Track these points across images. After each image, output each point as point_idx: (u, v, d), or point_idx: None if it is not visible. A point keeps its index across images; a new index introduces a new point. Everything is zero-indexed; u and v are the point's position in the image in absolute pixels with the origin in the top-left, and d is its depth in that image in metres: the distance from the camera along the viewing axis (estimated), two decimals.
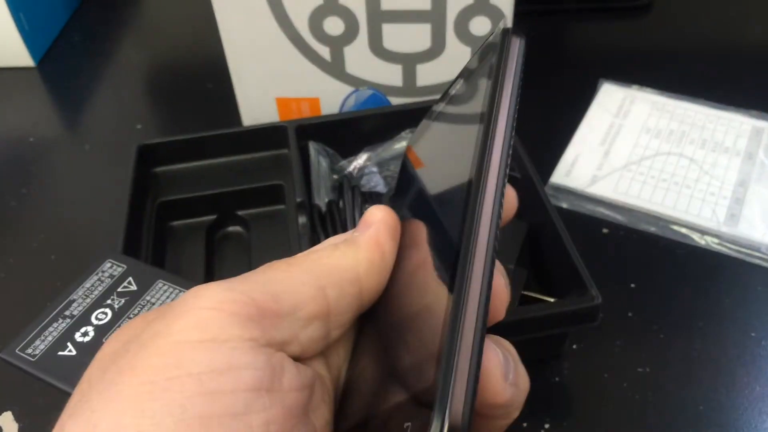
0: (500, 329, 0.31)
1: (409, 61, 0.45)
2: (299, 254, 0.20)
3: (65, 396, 0.33)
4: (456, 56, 0.45)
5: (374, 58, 0.45)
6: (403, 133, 0.43)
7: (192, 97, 0.55)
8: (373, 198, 0.40)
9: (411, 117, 0.43)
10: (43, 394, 0.34)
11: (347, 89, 0.47)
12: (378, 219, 0.21)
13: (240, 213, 0.42)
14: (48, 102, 0.56)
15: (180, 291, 0.32)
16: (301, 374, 0.18)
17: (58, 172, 0.49)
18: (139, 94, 0.57)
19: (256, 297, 0.18)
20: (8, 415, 0.34)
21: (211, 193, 0.41)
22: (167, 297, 0.32)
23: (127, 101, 0.56)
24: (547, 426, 0.32)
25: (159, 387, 0.16)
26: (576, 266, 0.32)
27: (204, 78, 0.56)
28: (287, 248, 0.39)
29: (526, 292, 0.35)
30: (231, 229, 0.42)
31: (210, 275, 0.39)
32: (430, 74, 0.46)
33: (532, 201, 0.37)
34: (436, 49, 0.45)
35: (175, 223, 0.41)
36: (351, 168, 0.42)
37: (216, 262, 0.40)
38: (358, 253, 0.20)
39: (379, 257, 0.20)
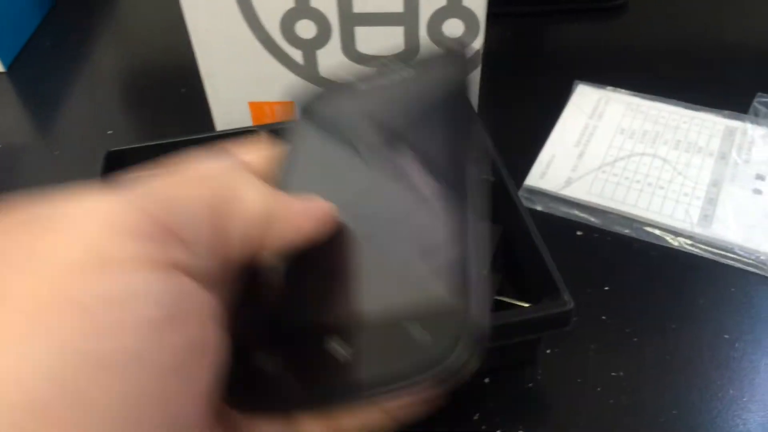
0: None
1: (378, 64, 0.45)
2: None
3: None
4: None
5: (347, 61, 0.45)
6: None
7: (166, 102, 0.54)
8: None
9: None
10: None
11: None
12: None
13: None
14: (18, 108, 0.55)
15: None
16: (207, 303, 0.16)
17: (25, 179, 0.48)
18: (111, 99, 0.56)
19: (152, 209, 0.15)
20: None
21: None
22: None
23: (99, 106, 0.55)
24: None
25: (36, 320, 0.13)
26: (549, 270, 0.32)
27: (178, 83, 0.56)
28: None
29: (500, 297, 0.34)
30: None
31: None
32: None
33: (505, 204, 0.37)
34: (410, 53, 0.44)
35: None
36: None
37: None
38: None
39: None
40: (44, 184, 0.47)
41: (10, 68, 0.58)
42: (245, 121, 0.48)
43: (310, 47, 0.44)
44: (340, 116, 0.24)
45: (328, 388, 0.17)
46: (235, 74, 0.45)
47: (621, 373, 0.34)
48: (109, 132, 0.51)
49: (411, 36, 0.43)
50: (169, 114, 0.53)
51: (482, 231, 0.19)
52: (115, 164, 0.41)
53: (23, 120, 0.54)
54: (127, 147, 0.41)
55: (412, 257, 0.19)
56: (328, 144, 0.24)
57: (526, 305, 0.34)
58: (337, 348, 0.17)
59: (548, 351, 0.35)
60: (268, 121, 0.47)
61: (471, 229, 0.19)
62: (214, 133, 0.43)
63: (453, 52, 0.22)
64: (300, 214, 0.19)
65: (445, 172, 0.21)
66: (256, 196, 0.19)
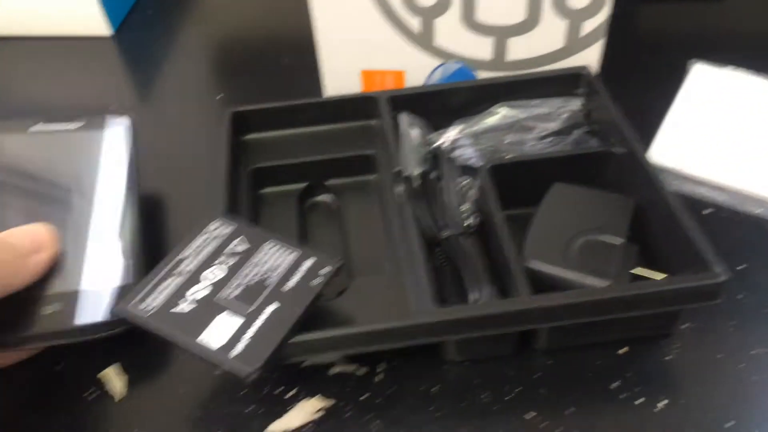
0: (617, 305, 0.30)
1: (500, 34, 0.44)
2: None
3: (173, 349, 0.33)
4: (550, 30, 0.44)
5: (465, 30, 0.44)
6: (494, 107, 0.42)
7: (269, 71, 0.55)
8: (468, 171, 0.40)
9: (502, 91, 0.42)
10: (150, 348, 0.34)
11: (434, 62, 0.46)
12: None
13: (329, 182, 0.41)
14: (125, 71, 0.56)
15: (291, 252, 0.32)
16: None
17: (140, 140, 0.49)
18: (214, 66, 0.56)
19: None
20: (117, 366, 0.34)
21: (301, 162, 0.41)
22: (278, 257, 0.31)
23: (203, 73, 0.56)
24: (665, 402, 0.31)
25: None
26: (694, 242, 0.31)
27: (280, 51, 0.56)
28: (380, 217, 0.39)
29: (636, 271, 0.34)
30: (320, 198, 0.42)
31: (303, 242, 0.38)
32: (521, 48, 0.45)
33: (635, 177, 0.36)
34: (529, 22, 0.44)
35: (267, 190, 0.41)
36: (442, 140, 0.42)
37: (308, 229, 0.40)
38: None
39: None
40: (160, 146, 0.48)
41: (117, 32, 0.59)
42: (354, 89, 0.48)
43: (429, 15, 0.44)
44: None
45: None
46: (351, 42, 0.45)
47: (762, 351, 0.33)
48: (218, 97, 0.52)
49: (534, 6, 0.43)
50: (273, 82, 0.53)
51: None
52: (239, 125, 0.41)
53: (131, 83, 0.55)
54: (251, 108, 0.42)
55: None
56: None
57: (661, 277, 0.33)
58: None
59: (684, 326, 0.34)
60: (376, 89, 0.47)
61: None
62: (333, 98, 0.43)
63: None
64: None
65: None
66: None
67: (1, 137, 0.37)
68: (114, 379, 0.33)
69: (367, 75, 0.47)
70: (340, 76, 0.47)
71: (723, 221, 0.39)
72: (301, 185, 0.41)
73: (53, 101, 0.53)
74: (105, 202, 0.36)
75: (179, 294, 0.30)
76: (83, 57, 0.57)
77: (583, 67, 0.42)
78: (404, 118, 0.42)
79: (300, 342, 0.29)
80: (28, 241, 0.31)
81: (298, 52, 0.56)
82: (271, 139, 0.42)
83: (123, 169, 0.37)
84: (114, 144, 0.38)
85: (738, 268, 0.36)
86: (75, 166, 0.37)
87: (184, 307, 0.29)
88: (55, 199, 0.35)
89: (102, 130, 0.39)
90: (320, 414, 0.32)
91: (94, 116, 0.39)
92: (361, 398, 0.32)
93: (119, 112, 0.50)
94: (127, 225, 0.35)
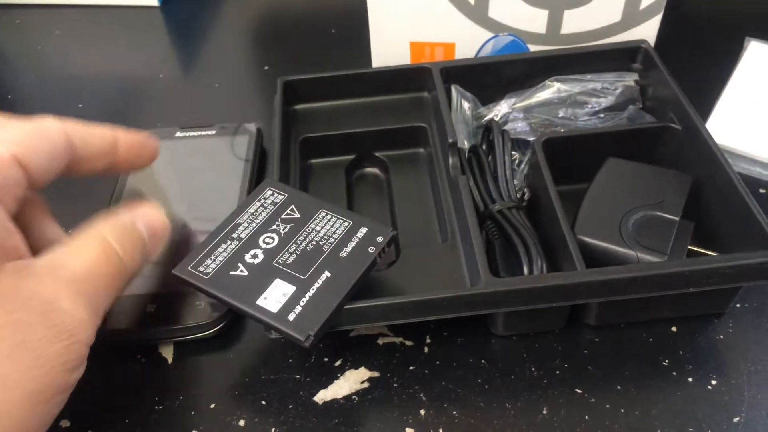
0: (675, 281, 0.30)
1: (556, 7, 0.43)
2: None
3: (221, 317, 0.34)
4: (607, 3, 0.43)
5: (520, 2, 0.43)
6: (547, 81, 0.42)
7: (315, 42, 0.55)
8: (520, 144, 0.39)
9: (555, 64, 0.42)
10: None
11: (485, 35, 0.46)
12: None
13: (378, 154, 0.41)
14: (172, 41, 0.57)
15: (343, 221, 0.32)
16: None
17: (190, 108, 0.49)
18: (259, 37, 0.57)
19: None
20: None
21: (350, 132, 0.41)
22: (331, 225, 0.32)
23: (249, 43, 0.56)
24: (714, 382, 0.31)
25: None
26: (757, 219, 0.30)
27: (327, 23, 0.56)
28: (428, 190, 0.39)
29: (692, 247, 0.33)
30: (369, 169, 0.42)
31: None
32: (576, 21, 0.44)
33: (694, 154, 0.36)
34: None
35: (315, 161, 0.41)
36: (493, 114, 0.41)
37: (356, 201, 0.40)
38: None
39: None
40: (211, 114, 0.48)
41: (164, 2, 0.59)
42: (402, 61, 0.48)
43: None
44: None
45: None
46: (402, 12, 0.45)
47: None
48: (265, 67, 0.52)
49: None
50: (320, 53, 0.53)
51: None
52: (289, 95, 0.42)
53: (178, 53, 0.56)
54: (301, 77, 0.42)
55: None
56: None
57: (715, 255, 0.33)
58: None
59: (737, 306, 0.33)
60: (425, 60, 0.47)
61: None
62: (384, 69, 0.43)
63: None
64: None
65: None
66: None
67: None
68: (164, 344, 0.34)
69: (416, 47, 0.47)
70: (388, 47, 0.47)
71: None
72: (350, 157, 0.41)
73: (102, 69, 0.53)
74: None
75: (235, 259, 0.30)
76: (131, 26, 0.58)
77: (643, 41, 0.41)
78: (455, 90, 0.41)
79: (352, 309, 0.29)
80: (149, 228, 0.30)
81: (345, 22, 0.55)
82: (321, 110, 0.42)
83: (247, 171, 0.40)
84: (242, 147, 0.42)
85: None
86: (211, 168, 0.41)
87: (240, 271, 0.30)
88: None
89: (235, 135, 0.43)
90: (367, 384, 0.32)
91: (228, 124, 0.44)
92: (409, 369, 0.32)
93: (169, 80, 0.51)
94: None
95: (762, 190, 0.39)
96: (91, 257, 0.26)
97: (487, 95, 0.42)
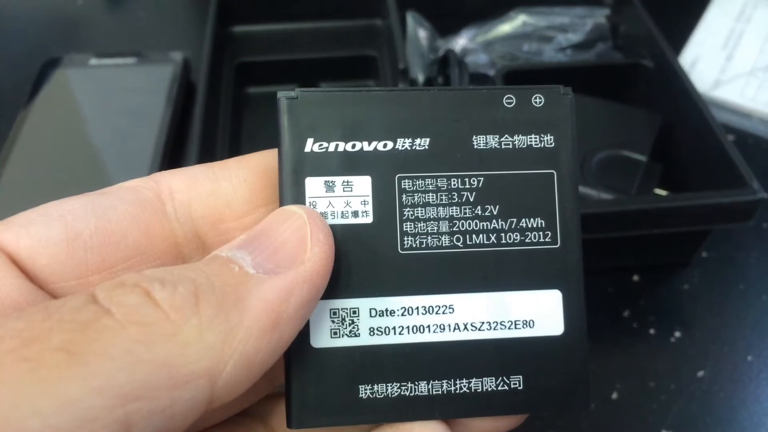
0: (640, 219, 0.27)
1: None
2: None
3: None
4: None
5: None
6: (512, 12, 0.38)
7: None
8: (479, 78, 0.36)
9: None
10: None
11: None
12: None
13: (323, 84, 0.37)
14: None
15: None
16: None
17: (112, 38, 0.44)
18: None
19: None
20: None
21: (293, 59, 0.37)
22: None
23: None
24: (677, 335, 0.28)
25: None
26: (731, 158, 0.28)
27: None
28: None
29: (659, 190, 0.31)
30: None
31: None
32: None
33: (665, 92, 0.33)
34: None
35: (252, 89, 0.37)
36: (452, 45, 0.38)
37: None
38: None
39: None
40: (137, 37, 0.43)
41: None
42: None
43: None
44: None
45: None
46: None
47: None
48: None
49: None
50: None
51: None
52: (226, 15, 0.37)
53: None
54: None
55: None
56: None
57: None
58: None
59: (704, 255, 0.31)
60: None
61: None
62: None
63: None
64: None
65: None
66: None
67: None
68: None
69: None
70: None
71: (748, 148, 0.36)
72: (291, 86, 0.37)
73: None
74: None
75: None
76: None
77: None
78: (411, 18, 0.37)
79: None
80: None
81: None
82: (261, 33, 0.38)
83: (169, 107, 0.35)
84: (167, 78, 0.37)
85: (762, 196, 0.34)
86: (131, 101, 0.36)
87: None
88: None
89: (157, 65, 0.37)
90: None
91: (151, 52, 0.38)
92: None
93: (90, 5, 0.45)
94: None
95: (731, 137, 0.37)
96: None
97: (445, 26, 0.38)
